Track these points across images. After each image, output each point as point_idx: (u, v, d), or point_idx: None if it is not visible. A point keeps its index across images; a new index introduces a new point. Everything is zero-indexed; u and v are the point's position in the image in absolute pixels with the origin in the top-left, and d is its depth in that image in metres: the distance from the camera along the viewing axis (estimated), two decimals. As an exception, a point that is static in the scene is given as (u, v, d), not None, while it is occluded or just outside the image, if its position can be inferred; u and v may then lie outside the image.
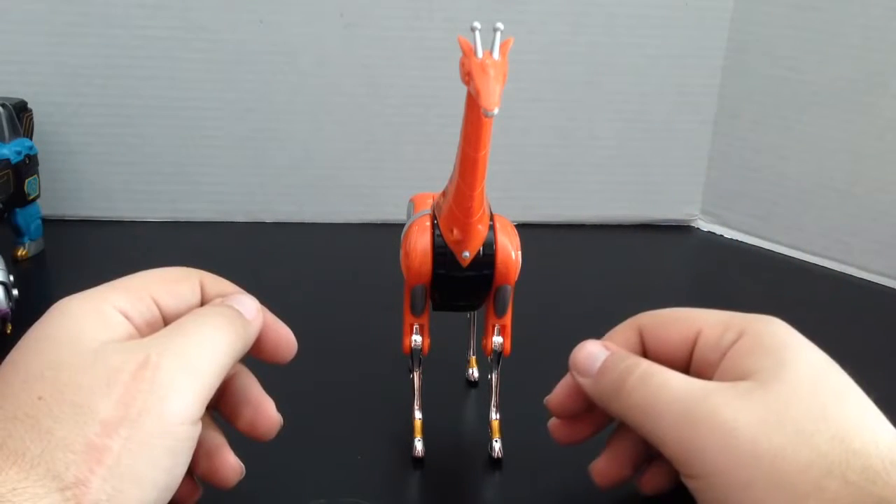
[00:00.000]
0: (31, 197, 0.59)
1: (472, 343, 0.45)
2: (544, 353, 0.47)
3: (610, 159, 0.70)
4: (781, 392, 0.29)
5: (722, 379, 0.31)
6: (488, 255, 0.35)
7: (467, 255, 0.35)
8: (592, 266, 0.65)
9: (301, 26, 0.64)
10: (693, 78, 0.69)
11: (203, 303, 0.33)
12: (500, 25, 0.31)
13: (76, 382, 0.26)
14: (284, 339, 0.35)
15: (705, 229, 0.72)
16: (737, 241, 0.70)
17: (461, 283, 0.36)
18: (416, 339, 0.37)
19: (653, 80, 0.68)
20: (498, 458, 0.38)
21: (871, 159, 0.62)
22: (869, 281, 0.63)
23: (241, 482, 0.33)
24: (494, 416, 0.39)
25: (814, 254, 0.66)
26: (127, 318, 0.30)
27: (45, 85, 0.63)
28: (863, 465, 0.27)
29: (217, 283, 0.34)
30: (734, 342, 0.32)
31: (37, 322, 0.30)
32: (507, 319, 0.38)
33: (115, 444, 0.26)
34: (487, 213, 0.35)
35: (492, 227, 0.36)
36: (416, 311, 0.37)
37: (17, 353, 0.29)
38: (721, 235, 0.71)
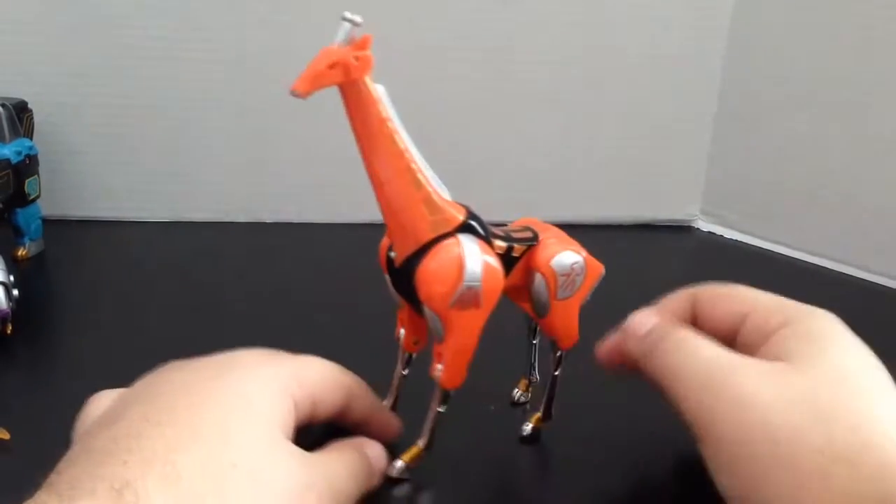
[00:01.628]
0: (32, 197, 0.59)
1: (534, 365, 0.43)
2: (543, 354, 0.47)
3: (610, 159, 0.70)
4: (810, 376, 0.29)
5: (763, 357, 0.31)
6: (409, 266, 0.34)
7: (394, 254, 0.35)
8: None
9: (301, 26, 0.64)
10: (693, 78, 0.69)
11: (345, 414, 0.34)
12: (346, 14, 0.34)
13: (258, 483, 0.27)
14: (392, 431, 0.37)
15: (705, 229, 0.72)
16: (737, 241, 0.70)
17: (398, 279, 0.35)
18: (401, 331, 0.38)
19: (653, 81, 0.68)
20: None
21: (871, 159, 0.62)
22: (869, 281, 0.63)
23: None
24: (421, 442, 0.36)
25: (814, 254, 0.66)
26: (294, 411, 0.31)
27: (45, 85, 0.63)
28: (878, 459, 0.27)
29: (361, 395, 0.35)
30: (781, 327, 0.32)
31: (229, 380, 0.29)
32: (447, 348, 0.34)
33: None
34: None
35: (429, 248, 0.33)
36: (396, 302, 0.37)
37: (198, 412, 0.28)
38: (721, 235, 0.71)
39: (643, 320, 0.35)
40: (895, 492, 0.26)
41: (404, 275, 0.34)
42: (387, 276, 0.36)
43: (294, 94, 0.29)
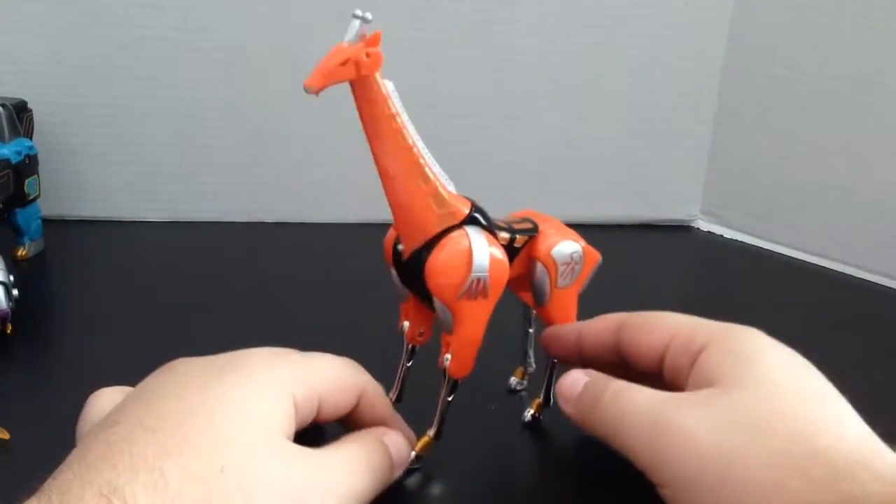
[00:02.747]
0: (32, 197, 0.59)
1: (530, 354, 0.44)
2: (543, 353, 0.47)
3: (610, 159, 0.70)
4: (742, 395, 0.29)
5: (693, 385, 0.31)
6: (418, 258, 0.34)
7: (401, 248, 0.35)
8: (592, 266, 0.65)
9: (301, 26, 0.64)
10: (693, 78, 0.69)
11: (356, 415, 0.34)
12: (357, 12, 0.34)
13: (253, 482, 0.26)
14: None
15: (705, 229, 0.72)
16: (737, 241, 0.70)
17: (406, 273, 0.36)
18: (404, 323, 0.38)
19: (653, 80, 0.68)
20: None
21: (871, 159, 0.62)
22: (869, 281, 0.63)
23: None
24: (431, 431, 0.37)
25: (814, 254, 0.66)
26: (296, 412, 0.30)
27: (45, 85, 0.63)
28: (826, 463, 0.26)
29: (375, 398, 0.35)
30: (703, 348, 0.32)
31: (222, 383, 0.29)
32: (455, 339, 0.35)
33: None
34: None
35: (438, 241, 0.34)
36: (398, 295, 0.37)
37: (193, 411, 0.28)
38: (721, 235, 0.71)
39: (573, 382, 0.35)
40: (853, 491, 0.26)
41: (413, 268, 0.34)
42: (392, 270, 0.36)
43: (307, 90, 0.30)
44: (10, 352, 0.47)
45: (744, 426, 0.28)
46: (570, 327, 0.39)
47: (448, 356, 0.35)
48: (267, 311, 0.53)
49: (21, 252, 0.58)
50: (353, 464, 0.31)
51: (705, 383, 0.31)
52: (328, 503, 0.28)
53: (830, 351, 0.52)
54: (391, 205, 0.34)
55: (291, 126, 0.66)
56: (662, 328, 0.35)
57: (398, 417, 0.36)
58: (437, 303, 0.34)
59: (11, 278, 0.48)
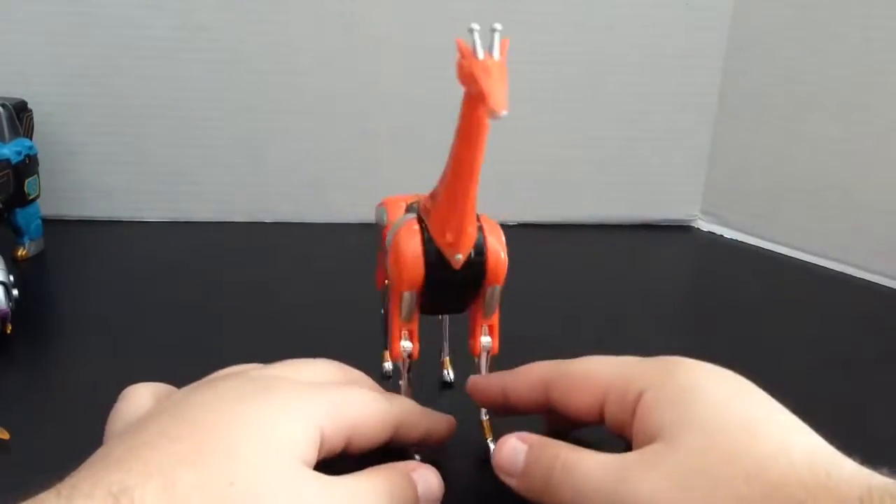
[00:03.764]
0: (32, 197, 0.59)
1: (446, 345, 0.44)
2: (544, 354, 0.47)
3: (610, 159, 0.70)
4: (688, 446, 0.28)
5: (638, 439, 0.30)
6: (479, 257, 0.35)
7: (460, 257, 0.35)
8: (592, 266, 0.65)
9: (301, 26, 0.64)
10: (693, 78, 0.69)
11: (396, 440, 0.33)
12: (497, 26, 0.31)
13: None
14: (449, 434, 0.37)
15: (705, 229, 0.72)
16: (737, 241, 0.70)
17: (453, 286, 0.35)
18: (406, 344, 0.37)
19: (653, 81, 0.68)
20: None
21: (871, 159, 0.62)
22: (869, 281, 0.63)
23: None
24: (484, 416, 0.39)
25: (814, 254, 0.66)
26: (322, 443, 0.30)
27: (45, 85, 0.63)
28: (786, 494, 0.26)
29: (411, 428, 0.34)
30: (639, 397, 0.31)
31: (253, 406, 0.29)
32: (495, 319, 0.38)
33: None
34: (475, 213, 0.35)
35: (480, 228, 0.35)
36: (408, 317, 0.36)
37: (217, 426, 0.28)
38: (721, 235, 0.71)
39: (512, 453, 0.33)
40: None
41: (469, 269, 0.35)
42: (413, 293, 0.35)
43: (500, 117, 0.30)
44: (10, 352, 0.47)
45: (698, 480, 0.27)
46: (493, 380, 0.37)
47: (488, 339, 0.37)
48: (267, 312, 0.53)
49: (21, 252, 0.58)
50: (372, 495, 0.30)
51: (649, 438, 0.30)
52: None
53: (830, 351, 0.52)
54: (465, 214, 0.34)
55: (291, 126, 0.66)
56: (593, 383, 0.33)
57: (436, 420, 0.36)
58: (489, 291, 0.36)
59: (11, 278, 0.48)
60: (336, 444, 0.31)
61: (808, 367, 0.49)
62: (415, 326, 0.37)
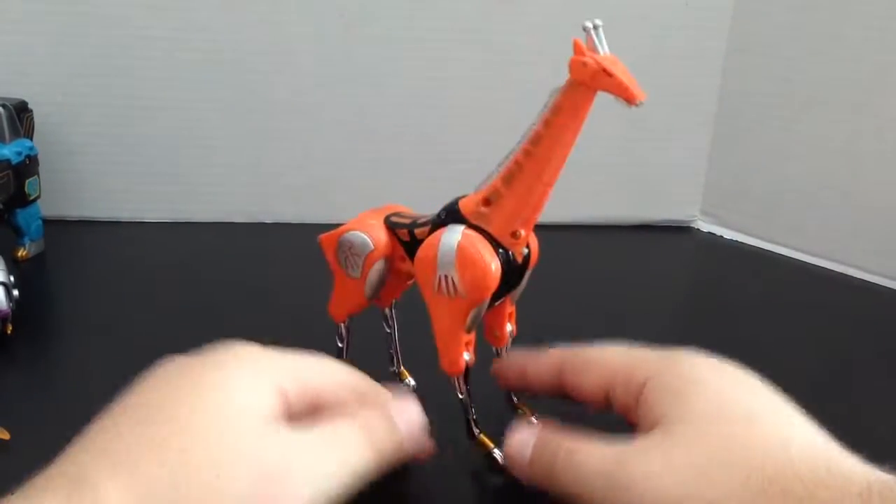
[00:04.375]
0: (32, 197, 0.59)
1: (397, 356, 0.44)
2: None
3: (610, 159, 0.70)
4: (686, 433, 0.29)
5: (642, 424, 0.31)
6: (527, 246, 0.36)
7: (526, 250, 0.36)
8: (592, 266, 0.65)
9: (301, 26, 0.64)
10: (693, 78, 0.69)
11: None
12: (599, 22, 0.33)
13: (217, 461, 0.26)
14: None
15: (705, 229, 0.72)
16: (737, 241, 0.70)
17: (511, 280, 0.36)
18: (467, 356, 0.36)
19: (653, 81, 0.68)
20: None
21: (871, 159, 0.62)
22: (869, 281, 0.63)
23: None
24: (516, 397, 0.40)
25: (814, 254, 0.66)
26: (286, 403, 0.30)
27: (45, 85, 0.63)
28: (782, 488, 0.26)
29: (371, 395, 0.34)
30: (644, 384, 0.32)
31: (202, 372, 0.29)
32: (514, 307, 0.39)
33: None
34: None
35: None
36: (474, 327, 0.36)
37: (168, 398, 0.28)
38: (721, 235, 0.71)
39: (521, 446, 0.33)
40: (818, 497, 0.25)
41: (524, 260, 0.36)
42: (486, 301, 0.35)
43: (641, 103, 0.32)
44: (10, 352, 0.47)
45: (696, 466, 0.28)
46: (515, 363, 0.38)
47: (510, 327, 0.39)
48: (267, 311, 0.53)
49: (21, 252, 0.58)
50: (347, 440, 0.30)
51: (651, 425, 0.30)
52: (313, 478, 0.28)
53: (830, 351, 0.52)
54: (539, 205, 0.35)
55: (291, 126, 0.66)
56: (602, 368, 0.34)
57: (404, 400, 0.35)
58: (526, 276, 0.37)
59: (11, 278, 0.48)
60: (304, 404, 0.30)
61: (808, 367, 0.49)
62: (473, 336, 0.37)
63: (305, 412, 0.31)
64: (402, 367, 0.44)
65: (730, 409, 0.29)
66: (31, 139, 0.59)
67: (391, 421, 0.32)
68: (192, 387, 0.28)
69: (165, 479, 0.25)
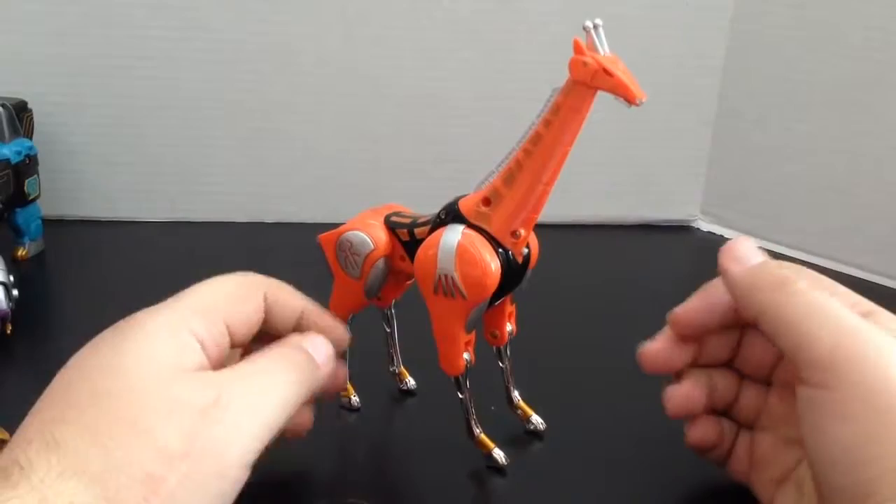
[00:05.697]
0: (32, 197, 0.59)
1: (397, 356, 0.44)
2: (545, 354, 0.47)
3: (610, 159, 0.70)
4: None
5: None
6: (527, 246, 0.36)
7: (526, 250, 0.36)
8: (592, 266, 0.65)
9: (301, 26, 0.64)
10: (693, 78, 0.69)
11: (268, 321, 0.34)
12: (599, 22, 0.34)
13: (144, 406, 0.26)
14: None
15: (705, 229, 0.72)
16: (737, 241, 0.70)
17: (511, 280, 0.36)
18: (467, 356, 0.36)
19: (653, 80, 0.68)
20: (539, 430, 0.40)
21: (871, 159, 0.62)
22: (869, 281, 0.63)
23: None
24: (517, 397, 0.40)
25: (814, 254, 0.66)
26: (202, 345, 0.30)
27: (45, 85, 0.63)
28: None
29: (281, 294, 0.35)
30: (871, 312, 0.32)
31: (113, 329, 0.30)
32: (513, 306, 0.39)
33: (172, 477, 0.25)
34: None
35: None
36: (474, 327, 0.36)
37: (87, 359, 0.29)
38: (721, 235, 0.71)
39: (751, 247, 0.34)
40: None
41: (524, 260, 0.36)
42: (487, 301, 0.35)
43: (642, 101, 0.33)
44: (10, 352, 0.47)
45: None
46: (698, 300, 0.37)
47: (510, 326, 0.39)
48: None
49: (21, 252, 0.58)
50: (268, 375, 0.30)
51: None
52: (235, 415, 0.28)
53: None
54: (539, 205, 0.35)
55: (291, 126, 0.66)
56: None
57: (318, 308, 0.36)
58: (528, 273, 0.37)
59: (11, 278, 0.48)
60: (219, 336, 0.31)
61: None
62: (473, 336, 0.37)
63: (224, 335, 0.31)
64: (402, 367, 0.44)
65: None
66: (31, 139, 0.59)
67: (309, 354, 0.32)
68: (112, 352, 0.29)
69: (91, 448, 0.25)
